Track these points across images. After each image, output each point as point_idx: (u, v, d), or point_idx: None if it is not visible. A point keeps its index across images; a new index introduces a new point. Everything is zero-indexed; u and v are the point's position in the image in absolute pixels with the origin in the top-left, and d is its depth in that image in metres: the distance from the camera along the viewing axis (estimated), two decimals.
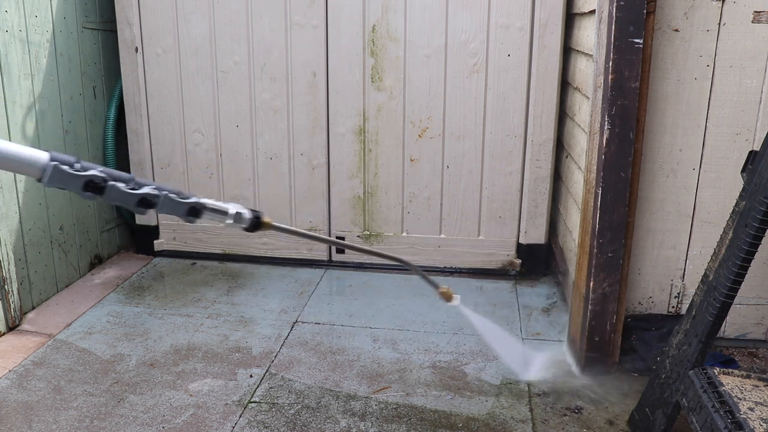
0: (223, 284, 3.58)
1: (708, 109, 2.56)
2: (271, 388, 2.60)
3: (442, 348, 2.92)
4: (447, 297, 2.33)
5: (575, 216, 3.07)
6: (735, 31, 2.46)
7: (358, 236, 3.73)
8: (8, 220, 3.03)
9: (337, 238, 3.76)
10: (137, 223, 3.92)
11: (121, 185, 1.32)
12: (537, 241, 3.62)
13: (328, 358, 2.83)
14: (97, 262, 3.79)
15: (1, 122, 2.96)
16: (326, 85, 3.52)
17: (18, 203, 3.09)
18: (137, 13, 3.55)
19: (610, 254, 2.53)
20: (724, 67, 2.50)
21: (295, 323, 3.14)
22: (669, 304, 2.80)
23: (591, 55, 2.77)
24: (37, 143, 3.20)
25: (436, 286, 2.30)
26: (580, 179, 2.97)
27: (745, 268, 1.95)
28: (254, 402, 2.51)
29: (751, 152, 2.01)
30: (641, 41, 2.34)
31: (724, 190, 2.63)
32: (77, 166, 1.26)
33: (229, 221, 1.58)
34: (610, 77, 2.38)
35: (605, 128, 2.43)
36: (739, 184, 2.33)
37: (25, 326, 3.07)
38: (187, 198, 1.46)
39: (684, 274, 2.76)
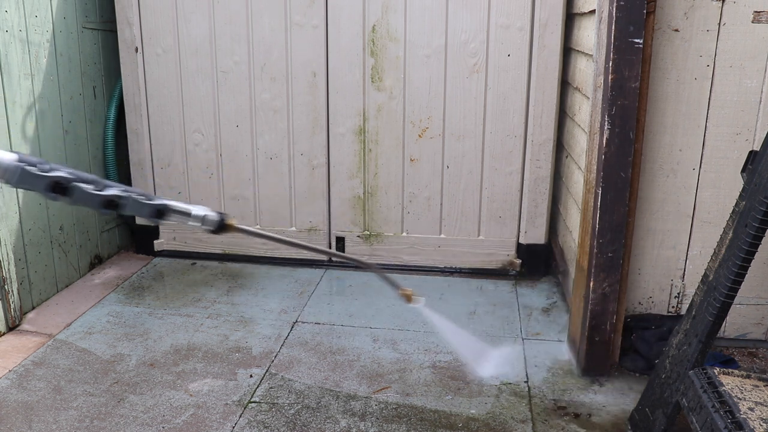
0: (223, 284, 3.58)
1: (708, 109, 2.56)
2: (271, 388, 2.60)
3: (442, 348, 2.92)
4: (408, 298, 2.24)
5: (575, 216, 3.07)
6: (735, 31, 2.46)
7: (358, 236, 3.73)
8: (8, 220, 3.03)
9: (337, 238, 3.76)
10: (137, 223, 3.92)
11: (86, 186, 1.32)
12: (537, 241, 3.62)
13: (328, 358, 2.83)
14: (97, 262, 3.79)
15: (1, 122, 2.96)
16: (326, 85, 3.52)
17: (18, 203, 3.09)
18: (137, 13, 3.55)
19: (610, 254, 2.53)
20: (724, 67, 2.50)
21: (295, 323, 3.14)
22: (669, 304, 2.80)
23: (591, 55, 2.77)
24: (37, 143, 3.20)
25: (396, 286, 2.23)
26: (580, 179, 2.97)
27: (745, 268, 1.95)
28: (254, 402, 2.51)
29: (751, 152, 2.01)
30: (641, 41, 2.34)
31: (724, 190, 2.63)
32: (44, 167, 1.27)
33: (194, 223, 1.61)
34: (610, 77, 2.38)
35: (605, 128, 2.43)
36: (739, 184, 2.33)
37: (25, 326, 3.07)
38: (152, 200, 1.48)
39: (684, 274, 2.76)
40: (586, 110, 2.85)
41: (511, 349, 2.92)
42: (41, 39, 3.21)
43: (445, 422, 2.39)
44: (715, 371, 2.00)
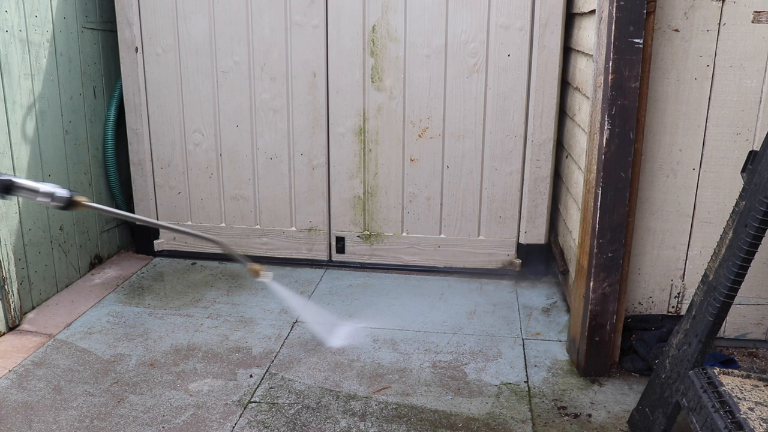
0: (223, 284, 3.58)
1: (708, 109, 2.56)
2: (271, 388, 2.60)
3: (442, 348, 2.92)
4: (255, 273, 2.72)
5: (575, 216, 3.07)
6: (735, 31, 2.46)
7: (358, 236, 3.73)
8: (8, 220, 3.03)
9: (337, 238, 3.76)
10: (137, 223, 3.91)
11: None
12: (537, 241, 3.62)
13: (328, 358, 2.83)
14: (97, 262, 3.79)
15: (1, 122, 2.96)
16: (326, 85, 3.52)
17: (18, 203, 3.09)
18: (137, 13, 3.55)
19: (610, 254, 2.53)
20: (724, 67, 2.50)
21: (295, 323, 3.14)
22: (669, 304, 2.80)
23: (591, 55, 2.77)
24: (37, 143, 3.20)
25: (244, 263, 2.68)
26: (580, 179, 2.98)
27: (745, 268, 1.95)
28: (254, 402, 2.51)
29: (751, 152, 2.01)
30: (641, 41, 2.34)
31: (724, 190, 2.63)
32: None
33: (42, 199, 1.70)
34: (610, 77, 2.38)
35: (605, 128, 2.43)
36: (739, 184, 2.34)
37: (25, 326, 3.07)
38: None
39: (684, 274, 2.76)
40: (586, 110, 2.85)
41: (352, 327, 3.08)
42: (41, 39, 3.21)
43: (445, 422, 2.39)
44: (715, 371, 2.00)
